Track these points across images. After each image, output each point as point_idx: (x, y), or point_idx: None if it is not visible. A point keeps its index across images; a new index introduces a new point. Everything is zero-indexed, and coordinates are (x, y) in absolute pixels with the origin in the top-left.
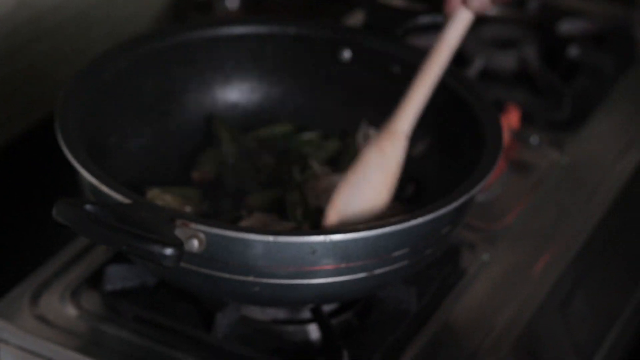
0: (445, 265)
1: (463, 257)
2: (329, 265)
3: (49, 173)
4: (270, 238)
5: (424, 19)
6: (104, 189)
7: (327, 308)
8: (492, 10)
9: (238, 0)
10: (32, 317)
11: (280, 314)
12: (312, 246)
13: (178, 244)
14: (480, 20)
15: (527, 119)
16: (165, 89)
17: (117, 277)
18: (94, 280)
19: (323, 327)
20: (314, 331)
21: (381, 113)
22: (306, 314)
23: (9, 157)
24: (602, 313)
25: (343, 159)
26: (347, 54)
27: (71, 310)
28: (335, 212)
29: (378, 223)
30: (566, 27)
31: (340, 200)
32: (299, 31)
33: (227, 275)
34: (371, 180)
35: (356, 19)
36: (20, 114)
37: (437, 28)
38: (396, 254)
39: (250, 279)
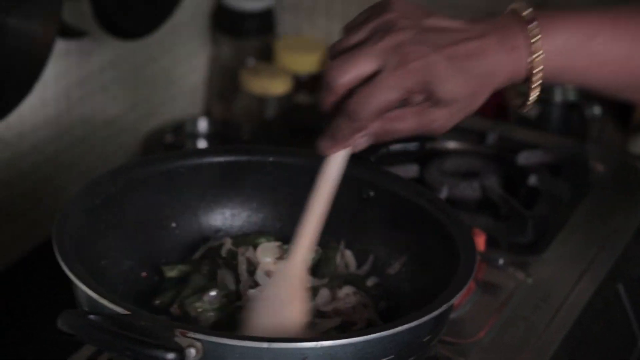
0: None
1: None
2: None
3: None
4: (264, 345)
5: (396, 147)
6: (104, 302)
7: None
8: (452, 144)
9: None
10: None
11: None
12: (303, 352)
13: (179, 350)
14: (442, 153)
15: (492, 243)
16: (151, 215)
17: None
18: None
19: None
20: None
21: (357, 233)
22: None
23: None
24: None
25: (322, 267)
26: None
27: None
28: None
29: (366, 330)
30: (525, 158)
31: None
32: (277, 159)
33: None
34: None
35: None
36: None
37: (408, 155)
38: None
39: None
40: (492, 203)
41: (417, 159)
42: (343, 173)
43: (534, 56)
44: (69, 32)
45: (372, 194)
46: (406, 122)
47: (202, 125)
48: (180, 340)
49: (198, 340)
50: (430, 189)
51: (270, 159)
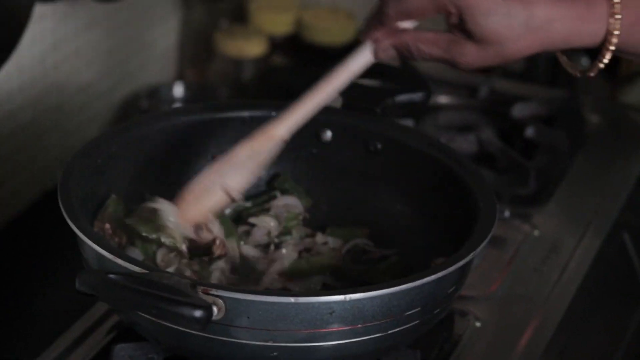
0: (441, 331)
1: (457, 324)
2: (346, 326)
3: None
4: (291, 299)
5: (402, 97)
6: (120, 261)
7: None
8: (445, 98)
9: (183, 91)
10: None
11: None
12: (331, 306)
13: (206, 306)
14: (435, 108)
15: None
16: (152, 175)
17: (124, 357)
18: None
19: None
20: None
21: (364, 188)
22: None
23: None
24: None
25: None
26: (328, 134)
27: None
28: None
29: (393, 282)
30: (519, 110)
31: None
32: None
33: (245, 342)
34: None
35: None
36: None
37: (415, 105)
38: (408, 313)
39: (269, 343)
40: (490, 156)
41: (410, 113)
42: (357, 75)
43: (614, 19)
44: None
45: (379, 146)
46: (434, 48)
47: (178, 90)
48: (202, 297)
49: (220, 297)
50: None
51: (273, 113)
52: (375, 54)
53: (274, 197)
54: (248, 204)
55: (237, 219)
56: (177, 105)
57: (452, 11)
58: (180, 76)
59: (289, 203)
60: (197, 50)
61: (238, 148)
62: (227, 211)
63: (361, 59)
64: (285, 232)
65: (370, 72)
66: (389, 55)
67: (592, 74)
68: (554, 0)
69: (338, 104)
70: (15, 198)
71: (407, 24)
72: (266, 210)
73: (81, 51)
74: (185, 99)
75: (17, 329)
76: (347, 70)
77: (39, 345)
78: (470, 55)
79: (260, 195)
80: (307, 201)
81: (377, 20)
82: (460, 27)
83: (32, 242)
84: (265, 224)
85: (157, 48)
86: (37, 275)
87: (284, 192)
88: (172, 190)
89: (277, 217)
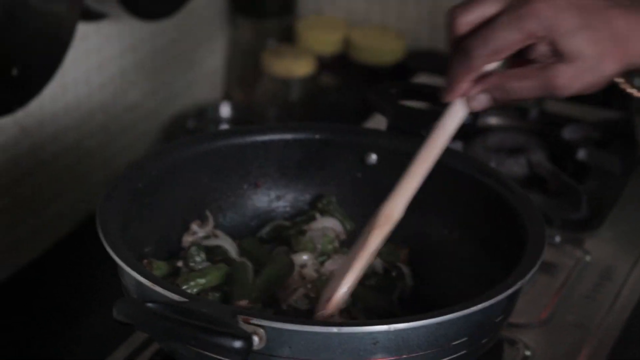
0: None
1: (505, 353)
2: (390, 357)
3: (74, 289)
4: (334, 329)
5: None
6: (159, 289)
7: None
8: (495, 119)
9: (230, 111)
10: None
11: None
12: (374, 336)
13: (246, 337)
14: (484, 129)
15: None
16: (195, 198)
17: None
18: None
19: None
20: None
21: (410, 214)
22: None
23: (15, 287)
24: None
25: None
26: (373, 157)
27: None
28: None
29: (439, 311)
30: (571, 132)
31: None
32: (325, 136)
33: None
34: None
35: (376, 123)
36: (24, 244)
37: (462, 127)
38: (455, 343)
39: None
40: (541, 179)
41: (459, 135)
42: (455, 130)
43: None
44: (88, 14)
45: None
46: (527, 80)
47: (225, 110)
48: (243, 327)
49: (261, 327)
50: None
51: (317, 136)
52: (469, 106)
53: (314, 219)
54: (287, 223)
55: (276, 236)
56: (225, 125)
57: (540, 35)
58: (227, 96)
59: (327, 226)
60: (244, 70)
61: (363, 244)
62: (266, 229)
63: (456, 117)
64: (323, 254)
65: (416, 93)
66: (483, 104)
67: None
68: (629, 9)
69: (383, 126)
70: (59, 220)
71: (491, 66)
72: (302, 233)
73: (127, 71)
74: (233, 120)
75: (57, 355)
76: (445, 132)
77: None
78: (566, 75)
79: (300, 215)
80: (350, 224)
81: (459, 70)
82: (551, 50)
83: (75, 266)
84: (297, 259)
85: (204, 68)
86: (79, 300)
87: (326, 213)
88: (214, 215)
89: (311, 240)
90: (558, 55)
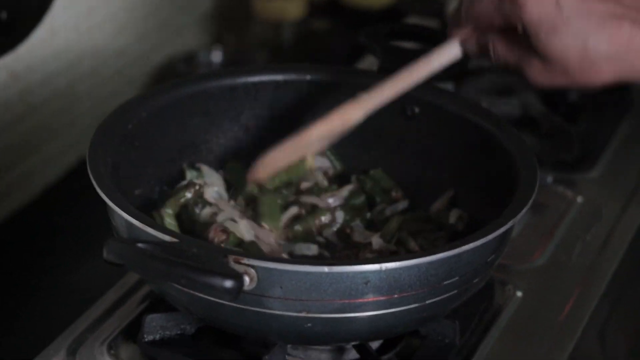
0: (480, 301)
1: (497, 294)
2: (381, 297)
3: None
4: (325, 269)
5: None
6: (150, 229)
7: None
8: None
9: (221, 56)
10: None
11: (323, 357)
12: (366, 276)
13: (237, 276)
14: (476, 71)
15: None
16: (185, 141)
17: (156, 327)
18: (130, 331)
19: None
20: None
21: (395, 154)
22: (349, 356)
23: (5, 232)
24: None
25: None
26: None
27: None
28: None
29: (430, 251)
30: None
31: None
32: (316, 77)
33: (279, 312)
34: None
35: (367, 66)
36: (14, 190)
37: (454, 68)
38: (446, 282)
39: (303, 314)
40: (532, 120)
41: (451, 76)
42: (442, 68)
43: None
44: None
45: (417, 110)
46: (510, 53)
47: (216, 54)
48: (234, 267)
49: (252, 267)
50: None
51: (308, 77)
52: (464, 48)
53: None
54: None
55: None
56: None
57: (514, 23)
58: (218, 40)
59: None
60: (235, 14)
61: (312, 129)
62: None
63: (449, 54)
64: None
65: (407, 34)
66: (473, 52)
67: None
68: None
69: (374, 66)
70: (50, 165)
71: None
72: None
73: (116, 16)
74: (224, 64)
75: (49, 298)
76: (433, 62)
77: (70, 315)
78: (537, 71)
79: None
80: (339, 165)
81: (460, 14)
82: (526, 41)
83: (67, 210)
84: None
85: (195, 12)
86: (70, 244)
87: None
88: (205, 156)
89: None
90: (532, 48)
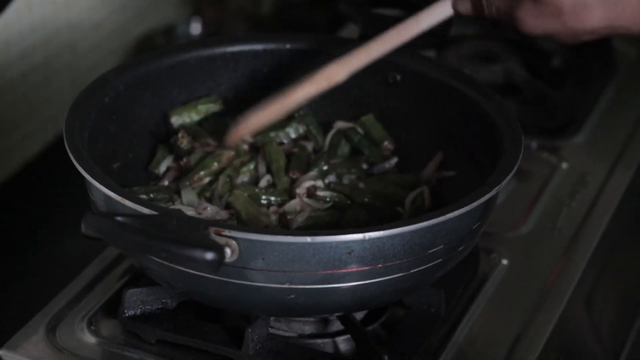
0: (466, 270)
1: (482, 262)
2: (365, 267)
3: (43, 207)
4: (308, 239)
5: None
6: (128, 202)
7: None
8: (469, 27)
9: (200, 28)
10: (50, 348)
11: (306, 328)
12: (349, 245)
13: (218, 248)
14: (459, 38)
15: None
16: (164, 113)
17: (137, 302)
18: (110, 307)
19: (358, 336)
20: (343, 343)
21: (384, 123)
22: (333, 327)
23: None
24: (626, 304)
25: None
26: None
27: (90, 339)
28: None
29: (414, 219)
30: (546, 41)
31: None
32: (296, 46)
33: (261, 284)
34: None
35: (348, 34)
36: None
37: (434, 36)
38: (431, 251)
39: (286, 286)
40: (516, 87)
41: (432, 43)
42: (432, 27)
43: None
44: None
45: (399, 77)
46: (502, 1)
47: (195, 26)
48: (215, 239)
49: (233, 238)
50: None
51: (287, 46)
52: (455, 7)
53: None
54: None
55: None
56: None
57: None
58: (196, 12)
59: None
60: None
61: (298, 88)
62: None
63: (440, 13)
64: None
65: (388, 1)
66: (466, 9)
67: None
68: None
69: (355, 35)
70: (28, 141)
71: None
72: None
73: None
74: (203, 36)
75: (29, 274)
76: (422, 22)
77: (49, 291)
78: (528, 15)
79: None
80: (322, 139)
81: None
82: None
83: (45, 186)
84: None
85: None
86: (49, 220)
87: (302, 124)
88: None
89: None
90: None
